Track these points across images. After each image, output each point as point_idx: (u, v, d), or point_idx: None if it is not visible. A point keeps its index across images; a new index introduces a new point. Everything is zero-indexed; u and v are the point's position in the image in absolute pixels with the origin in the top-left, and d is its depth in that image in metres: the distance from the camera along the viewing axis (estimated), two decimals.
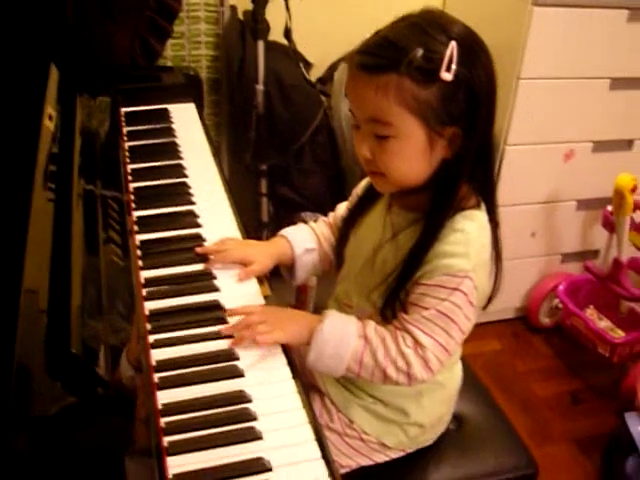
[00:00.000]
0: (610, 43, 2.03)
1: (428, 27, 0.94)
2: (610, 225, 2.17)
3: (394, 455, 1.18)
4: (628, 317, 2.27)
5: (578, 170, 2.23)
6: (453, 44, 0.91)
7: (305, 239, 1.25)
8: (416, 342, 1.00)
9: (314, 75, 2.32)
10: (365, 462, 1.17)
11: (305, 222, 2.14)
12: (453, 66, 0.91)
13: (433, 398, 1.17)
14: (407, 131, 0.95)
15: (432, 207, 1.01)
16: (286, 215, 2.24)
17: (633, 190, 1.94)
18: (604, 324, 2.32)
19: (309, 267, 1.25)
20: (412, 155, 0.98)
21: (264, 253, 1.19)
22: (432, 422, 1.19)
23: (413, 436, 1.18)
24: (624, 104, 2.16)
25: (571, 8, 1.93)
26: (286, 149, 2.12)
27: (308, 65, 2.23)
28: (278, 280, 1.31)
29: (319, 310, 1.53)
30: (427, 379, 1.02)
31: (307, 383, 1.05)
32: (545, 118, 2.09)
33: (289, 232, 1.25)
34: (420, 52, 0.91)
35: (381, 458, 1.18)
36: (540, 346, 2.46)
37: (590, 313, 2.36)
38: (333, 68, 2.30)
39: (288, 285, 1.43)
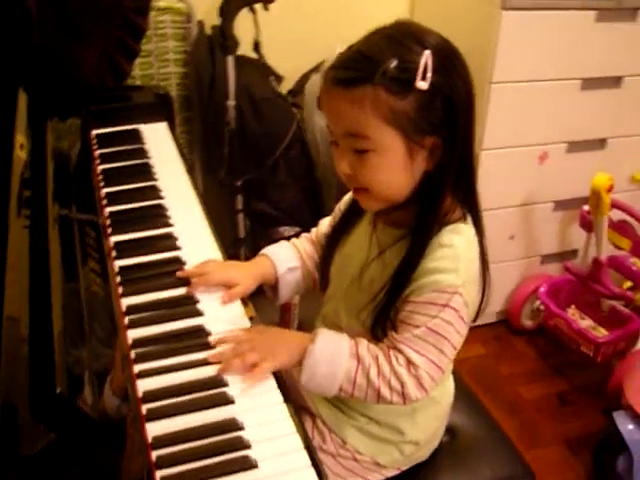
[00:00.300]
0: (579, 44, 2.05)
1: (402, 38, 0.93)
2: (588, 225, 2.18)
3: (389, 474, 1.16)
4: (610, 315, 2.28)
5: (553, 171, 2.24)
6: (427, 53, 0.90)
7: (288, 258, 1.22)
8: (408, 361, 0.98)
9: (285, 88, 2.31)
10: None
11: (284, 237, 2.14)
12: (428, 75, 0.90)
13: (427, 414, 1.15)
14: (386, 143, 0.94)
15: (418, 222, 1.00)
16: (263, 230, 2.22)
17: (609, 190, 1.95)
18: (586, 323, 2.33)
19: (292, 286, 1.23)
20: (393, 168, 0.96)
21: (247, 274, 1.16)
22: (427, 438, 1.18)
23: (408, 454, 1.16)
24: (595, 104, 2.17)
25: (540, 11, 1.94)
26: (260, 164, 2.10)
27: (278, 78, 2.21)
28: (261, 299, 1.28)
29: (303, 328, 1.53)
30: (421, 398, 1.00)
31: (297, 405, 1.03)
32: (519, 121, 2.10)
33: (271, 251, 1.23)
34: (394, 62, 0.90)
35: (376, 477, 1.15)
36: (524, 349, 2.46)
37: (572, 313, 2.37)
38: (304, 80, 2.29)
39: (271, 304, 1.41)
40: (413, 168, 0.97)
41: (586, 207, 2.18)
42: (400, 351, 0.98)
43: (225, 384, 0.94)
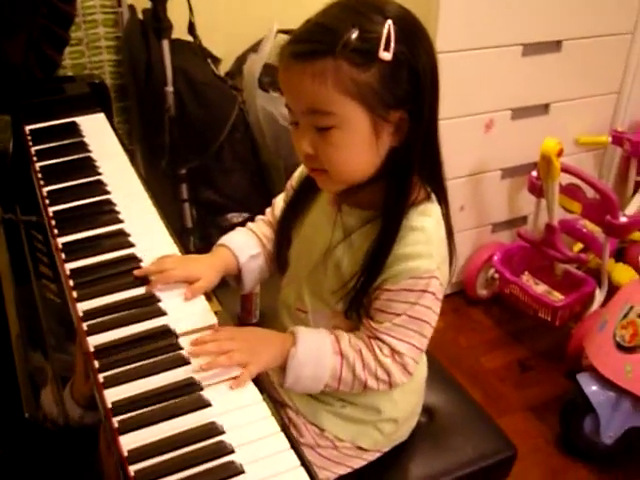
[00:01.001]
0: (518, 8, 2.03)
1: (362, 8, 0.88)
2: (537, 190, 2.18)
3: (371, 457, 1.14)
4: (564, 279, 2.30)
5: (499, 139, 2.23)
6: (389, 22, 0.86)
7: (248, 245, 1.17)
8: (393, 350, 0.97)
9: (222, 70, 2.24)
10: (342, 470, 1.12)
11: (232, 224, 2.08)
12: (392, 44, 0.86)
13: (404, 390, 1.12)
14: (350, 119, 0.89)
15: (386, 203, 0.96)
16: (211, 219, 2.16)
17: (559, 154, 1.94)
18: (541, 288, 2.34)
19: (256, 273, 1.18)
20: (358, 145, 0.92)
21: (208, 267, 1.10)
22: (405, 415, 1.15)
23: (388, 433, 1.13)
24: (537, 69, 2.17)
25: None
26: (204, 150, 2.03)
27: (216, 60, 2.14)
28: (220, 290, 1.23)
29: (265, 317, 1.48)
30: (405, 381, 0.99)
31: (270, 397, 0.98)
32: (463, 90, 2.08)
33: (229, 240, 1.17)
34: (355, 33, 0.86)
35: (358, 463, 1.13)
36: (481, 318, 2.46)
37: (526, 279, 2.38)
38: (241, 61, 2.22)
39: (232, 294, 1.36)
40: (378, 145, 0.92)
41: (534, 173, 2.19)
42: (383, 341, 0.97)
43: (200, 387, 0.88)
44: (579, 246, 2.41)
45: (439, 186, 1.01)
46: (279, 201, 1.21)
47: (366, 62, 0.86)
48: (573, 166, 2.09)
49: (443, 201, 1.01)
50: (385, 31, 0.85)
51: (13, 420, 0.67)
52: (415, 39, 0.90)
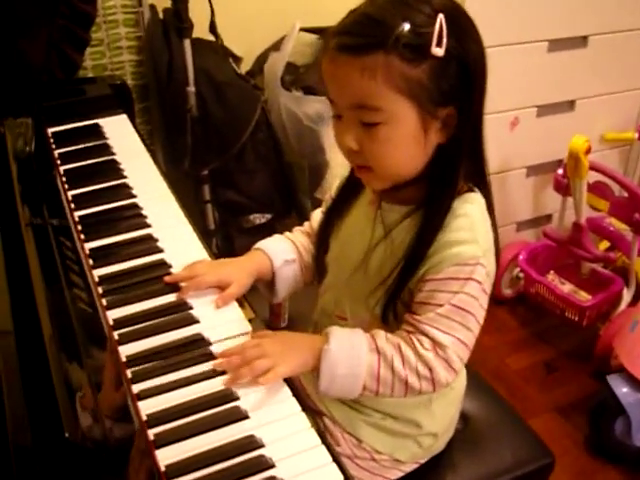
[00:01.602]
0: (544, 4, 2.00)
1: (410, 0, 0.85)
2: (563, 189, 2.15)
3: (408, 469, 1.10)
4: (591, 278, 2.26)
5: (524, 137, 2.20)
6: (441, 16, 0.83)
7: (284, 250, 1.14)
8: (435, 343, 0.91)
9: (243, 69, 2.21)
10: None
11: (255, 225, 2.05)
12: (444, 40, 0.83)
13: (443, 402, 1.09)
14: (398, 115, 0.87)
15: (430, 196, 0.93)
16: (234, 220, 2.13)
17: (587, 152, 1.91)
18: (567, 288, 2.30)
19: (290, 281, 1.14)
20: (405, 142, 0.89)
21: (240, 269, 1.08)
22: (444, 428, 1.12)
23: (427, 446, 1.10)
24: (563, 65, 2.13)
25: None
26: (226, 150, 2.00)
27: (237, 59, 2.11)
28: (249, 294, 1.20)
29: (294, 323, 1.46)
30: (451, 381, 0.93)
31: (306, 407, 0.95)
32: (488, 88, 2.03)
33: (265, 244, 1.14)
34: (407, 27, 0.83)
35: (395, 474, 1.09)
36: (506, 318, 2.43)
37: (551, 279, 2.34)
38: (262, 59, 2.19)
39: (260, 298, 1.34)
40: (426, 142, 0.90)
41: (560, 171, 2.15)
42: (424, 333, 0.91)
43: (236, 397, 0.86)
44: (605, 244, 2.37)
45: (482, 179, 0.99)
46: (317, 213, 1.18)
47: (417, 57, 0.84)
48: (601, 163, 2.05)
49: (487, 194, 0.99)
50: (437, 26, 0.83)
51: (53, 441, 0.64)
52: (464, 31, 0.88)
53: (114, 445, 0.79)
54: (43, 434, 0.64)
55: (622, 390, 1.77)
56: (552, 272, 2.37)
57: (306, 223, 1.20)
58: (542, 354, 2.26)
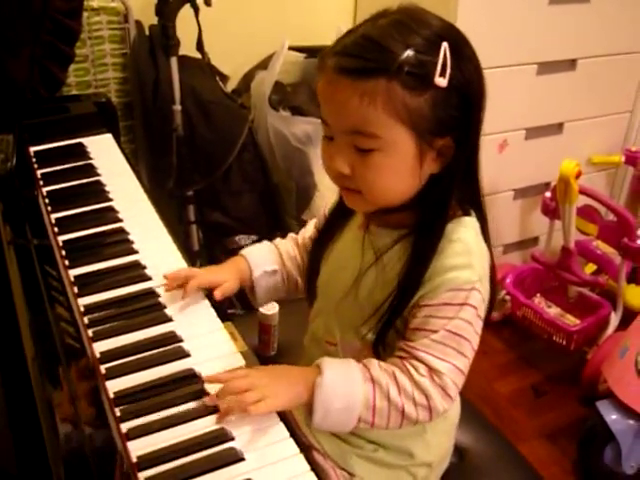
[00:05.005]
0: (533, 28, 2.00)
1: (411, 23, 0.84)
2: (551, 212, 2.14)
3: None
4: (578, 302, 2.25)
5: (512, 159, 2.19)
6: (445, 45, 0.81)
7: (266, 260, 1.12)
8: (430, 369, 0.87)
9: (228, 87, 2.18)
10: None
11: (240, 246, 2.02)
12: (448, 70, 0.81)
13: (437, 431, 1.06)
14: (395, 143, 0.84)
15: (422, 222, 0.91)
16: (218, 241, 2.09)
17: (577, 176, 1.90)
18: (554, 311, 2.29)
19: (270, 290, 1.13)
20: (399, 170, 0.87)
21: (228, 273, 1.09)
22: (438, 459, 1.08)
23: (421, 477, 1.06)
24: (552, 88, 2.13)
25: None
26: (212, 171, 1.96)
27: (224, 78, 2.08)
28: (238, 322, 1.17)
29: (284, 349, 1.42)
30: (447, 408, 0.90)
31: (296, 440, 0.91)
32: None
33: (249, 252, 1.13)
34: (411, 53, 0.81)
35: None
36: (492, 341, 2.41)
37: (537, 302, 2.33)
38: (248, 78, 2.16)
39: (249, 327, 1.31)
40: (421, 171, 0.88)
41: (548, 194, 2.14)
42: (419, 359, 0.88)
43: (230, 438, 0.82)
44: (591, 267, 2.37)
45: (477, 205, 0.96)
46: (311, 223, 1.17)
47: (420, 86, 0.82)
48: (591, 188, 2.05)
49: (481, 217, 0.96)
50: (441, 56, 0.81)
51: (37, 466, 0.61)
52: (465, 60, 0.86)
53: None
54: (26, 459, 0.60)
55: (612, 417, 1.74)
56: (538, 295, 2.35)
57: (301, 231, 1.18)
58: (529, 378, 2.24)
